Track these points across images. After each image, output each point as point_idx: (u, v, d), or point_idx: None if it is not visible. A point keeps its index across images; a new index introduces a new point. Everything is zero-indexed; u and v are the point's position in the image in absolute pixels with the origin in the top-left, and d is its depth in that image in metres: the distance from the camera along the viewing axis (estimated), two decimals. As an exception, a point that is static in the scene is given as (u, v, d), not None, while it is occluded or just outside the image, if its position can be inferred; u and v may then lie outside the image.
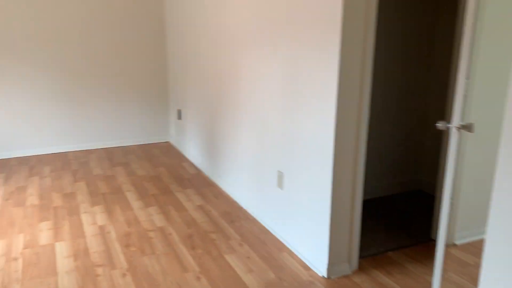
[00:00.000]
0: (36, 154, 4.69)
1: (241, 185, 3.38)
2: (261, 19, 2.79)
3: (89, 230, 2.98)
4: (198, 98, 4.15)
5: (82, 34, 4.58)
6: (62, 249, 2.72)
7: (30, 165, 4.37)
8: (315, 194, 2.42)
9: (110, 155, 4.70)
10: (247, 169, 3.26)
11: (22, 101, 4.50)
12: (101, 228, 3.01)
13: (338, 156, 2.25)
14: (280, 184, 2.79)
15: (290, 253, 2.68)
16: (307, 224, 2.54)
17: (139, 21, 4.78)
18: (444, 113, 3.43)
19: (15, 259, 2.61)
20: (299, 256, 2.63)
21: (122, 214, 3.23)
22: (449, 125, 1.86)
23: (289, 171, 2.67)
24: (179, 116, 4.78)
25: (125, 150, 4.89)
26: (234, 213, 3.25)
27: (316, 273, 2.46)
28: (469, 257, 2.63)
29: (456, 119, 1.83)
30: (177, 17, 4.49)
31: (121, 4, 4.66)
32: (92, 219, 3.15)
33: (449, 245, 2.76)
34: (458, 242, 2.79)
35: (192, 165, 4.37)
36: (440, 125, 1.89)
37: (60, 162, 4.47)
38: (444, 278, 2.40)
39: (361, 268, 2.50)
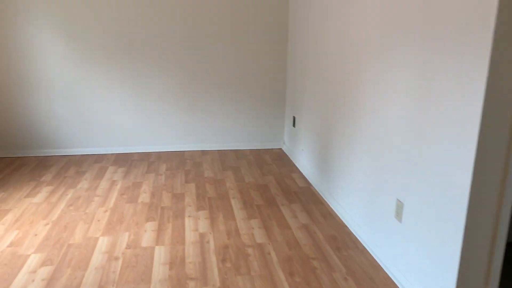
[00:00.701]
0: (156, 151, 4.89)
1: (353, 208, 3.01)
2: (389, 25, 2.39)
3: (189, 236, 2.91)
4: (314, 106, 3.87)
5: (205, 37, 4.63)
6: (160, 255, 2.68)
7: (149, 161, 4.55)
8: (442, 235, 1.96)
9: (223, 158, 4.69)
10: (360, 191, 2.88)
11: (148, 99, 4.72)
12: (202, 236, 2.92)
13: (476, 194, 1.77)
14: (398, 215, 2.36)
15: (404, 300, 2.25)
16: (427, 268, 2.09)
17: (262, 25, 4.67)
18: None
19: (116, 258, 2.63)
20: (415, 306, 2.19)
21: (224, 223, 3.11)
22: None
23: (410, 202, 2.24)
24: (294, 123, 4.56)
25: (237, 154, 4.84)
26: (342, 239, 2.90)
27: (435, 333, 2.00)
28: None
29: None
30: (300, 23, 4.26)
31: (245, 7, 4.60)
32: (195, 224, 3.09)
33: None
34: None
35: (302, 176, 4.11)
36: None
37: (176, 160, 4.58)
38: None
39: (497, 337, 1.97)
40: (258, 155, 4.82)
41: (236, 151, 4.95)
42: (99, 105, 4.66)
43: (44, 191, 3.69)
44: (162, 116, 4.80)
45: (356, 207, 2.95)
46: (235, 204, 3.46)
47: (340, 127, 3.23)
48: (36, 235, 2.92)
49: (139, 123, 4.79)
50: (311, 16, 3.90)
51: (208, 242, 2.84)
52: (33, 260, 2.61)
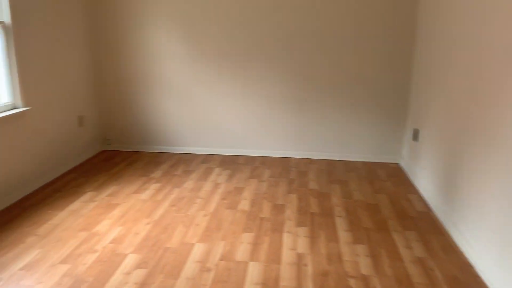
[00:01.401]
0: (262, 155, 4.76)
1: (483, 245, 2.48)
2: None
3: (286, 255, 2.68)
4: (442, 119, 3.35)
5: (320, 39, 4.35)
6: (253, 272, 2.48)
7: (254, 165, 4.43)
8: None
9: (330, 169, 4.37)
10: (496, 225, 2.35)
11: (257, 102, 4.60)
12: (299, 257, 2.66)
13: None
14: (550, 270, 1.83)
15: None
16: None
17: (385, 27, 4.24)
18: None
19: (209, 270, 2.51)
20: None
21: (325, 245, 2.81)
22: None
23: None
24: (415, 137, 4.04)
25: (347, 166, 4.47)
26: (466, 283, 2.40)
27: None
28: None
29: None
30: (430, 28, 3.74)
31: (368, 8, 4.21)
32: (293, 242, 2.84)
33: None
34: None
35: (420, 199, 3.60)
36: None
37: (280, 167, 4.39)
38: None
39: None
40: (370, 168, 4.39)
41: (346, 163, 4.58)
42: (210, 106, 4.68)
43: (152, 188, 3.77)
44: (269, 120, 4.65)
45: (488, 244, 2.42)
46: (340, 224, 3.13)
47: (474, 146, 2.70)
48: (137, 234, 2.94)
49: (247, 126, 4.70)
50: (443, 17, 3.38)
51: (306, 265, 2.57)
52: (130, 260, 2.61)
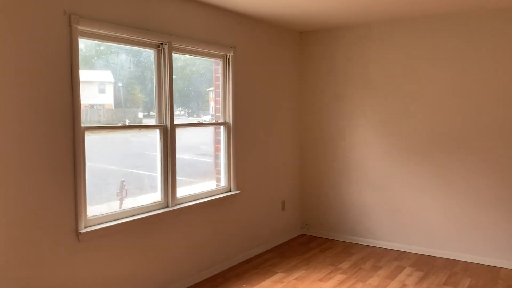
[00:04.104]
0: (465, 260, 4.24)
1: None
2: None
3: None
4: None
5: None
6: None
7: (452, 270, 3.99)
8: None
9: (555, 289, 3.56)
10: None
11: (460, 199, 4.23)
12: None
13: None
14: None
15: None
16: None
17: None
18: None
19: None
20: None
21: None
22: None
23: None
24: None
25: None
26: None
27: None
28: None
29: None
30: None
31: None
32: None
33: None
34: None
35: None
36: None
37: (485, 277, 3.82)
38: None
39: None
40: None
41: None
42: (407, 200, 4.54)
43: (336, 279, 3.83)
44: (475, 219, 4.17)
45: None
46: None
47: None
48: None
49: (449, 224, 4.32)
50: None
51: None
52: None
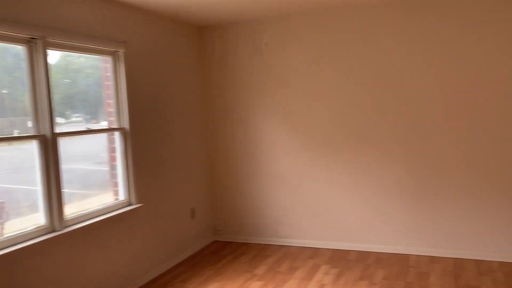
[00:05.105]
0: (376, 250, 4.30)
1: None
2: None
3: None
4: None
5: (451, 122, 3.96)
6: None
7: (366, 263, 4.00)
8: None
9: (458, 271, 3.71)
10: None
11: (372, 191, 4.27)
12: None
13: None
14: None
15: None
16: None
17: (512, 102, 3.71)
18: None
19: None
20: None
21: None
22: None
23: None
24: None
25: (480, 267, 3.76)
26: None
27: None
28: None
29: None
30: None
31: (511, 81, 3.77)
32: None
33: None
34: None
35: None
36: None
37: (397, 266, 3.88)
38: None
39: None
40: (511, 271, 3.62)
41: (478, 263, 3.87)
42: (318, 196, 4.49)
43: (253, 287, 3.61)
44: (384, 210, 4.24)
45: None
46: None
47: None
48: None
49: (359, 217, 4.35)
50: None
51: None
52: None
